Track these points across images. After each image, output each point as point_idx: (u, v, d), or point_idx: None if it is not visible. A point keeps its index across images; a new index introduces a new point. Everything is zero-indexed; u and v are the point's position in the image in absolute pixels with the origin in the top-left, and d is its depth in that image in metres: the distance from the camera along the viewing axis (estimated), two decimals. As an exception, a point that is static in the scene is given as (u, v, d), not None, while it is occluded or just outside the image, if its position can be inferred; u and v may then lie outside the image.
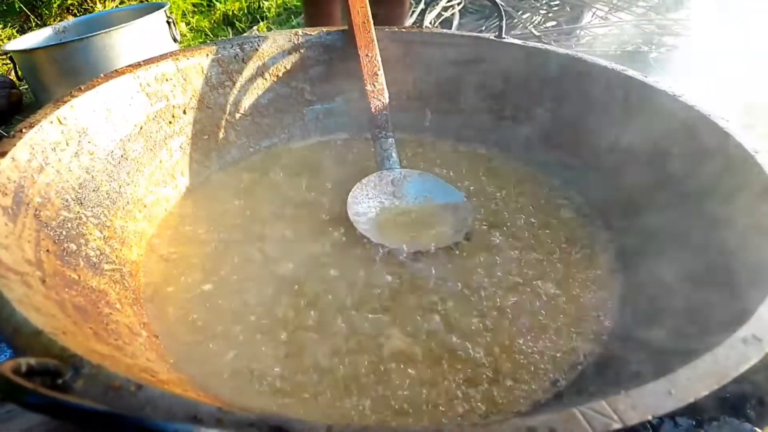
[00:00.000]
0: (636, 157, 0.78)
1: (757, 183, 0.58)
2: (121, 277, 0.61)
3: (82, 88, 0.70)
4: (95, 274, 0.58)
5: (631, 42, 2.31)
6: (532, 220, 0.78)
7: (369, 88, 0.85)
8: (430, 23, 2.51)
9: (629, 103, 0.80)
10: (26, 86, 2.16)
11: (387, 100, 0.85)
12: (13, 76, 2.20)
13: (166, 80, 0.80)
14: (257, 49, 0.89)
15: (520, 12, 2.59)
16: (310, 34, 0.93)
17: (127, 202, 0.70)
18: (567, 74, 0.87)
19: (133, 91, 0.75)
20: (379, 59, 0.87)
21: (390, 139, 0.84)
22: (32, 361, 0.32)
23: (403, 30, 0.96)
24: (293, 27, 2.95)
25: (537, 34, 2.29)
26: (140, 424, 0.25)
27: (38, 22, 2.91)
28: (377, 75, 0.86)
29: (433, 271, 0.67)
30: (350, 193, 0.78)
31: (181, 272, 0.66)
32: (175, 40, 2.18)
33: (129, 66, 0.76)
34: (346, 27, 0.96)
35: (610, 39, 2.33)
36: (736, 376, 0.35)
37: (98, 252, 0.61)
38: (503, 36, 0.94)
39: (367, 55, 0.87)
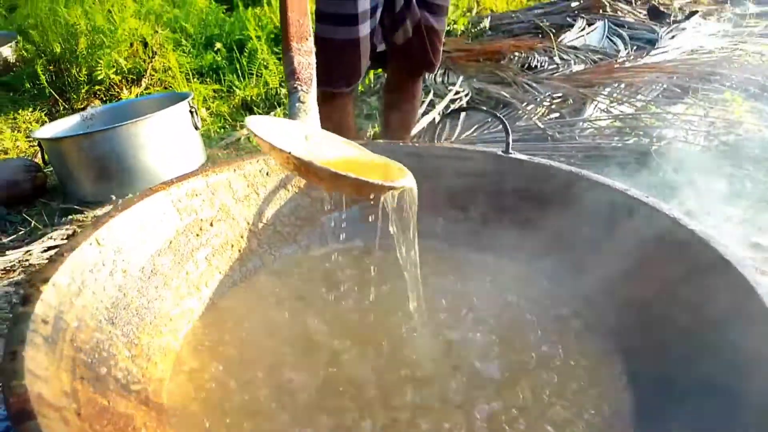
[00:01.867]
0: (641, 278, 0.81)
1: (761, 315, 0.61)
2: (146, 397, 0.64)
3: (120, 207, 0.75)
4: (123, 397, 0.60)
5: (633, 134, 2.40)
6: (539, 332, 0.80)
7: (296, 45, 0.76)
8: (438, 114, 2.64)
9: (633, 223, 0.84)
10: (50, 169, 2.26)
11: (314, 65, 0.77)
12: (39, 160, 2.30)
13: (196, 195, 0.85)
14: (280, 163, 0.95)
15: (525, 104, 2.71)
16: (330, 148, 0.99)
17: (154, 317, 0.74)
18: (572, 190, 0.92)
19: (165, 207, 0.81)
20: (311, 31, 0.80)
21: (312, 96, 0.74)
22: None
23: (415, 145, 1.03)
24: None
25: (541, 126, 2.40)
26: None
27: (66, 107, 3.07)
28: (307, 39, 0.79)
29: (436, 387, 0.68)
30: (255, 117, 0.67)
31: (204, 390, 0.68)
32: (196, 127, 2.29)
33: (163, 183, 0.82)
34: (363, 140, 1.02)
35: (611, 131, 2.43)
36: None
37: (126, 372, 0.64)
38: (510, 151, 1.00)
39: (298, 20, 0.80)
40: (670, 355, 0.71)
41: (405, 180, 0.65)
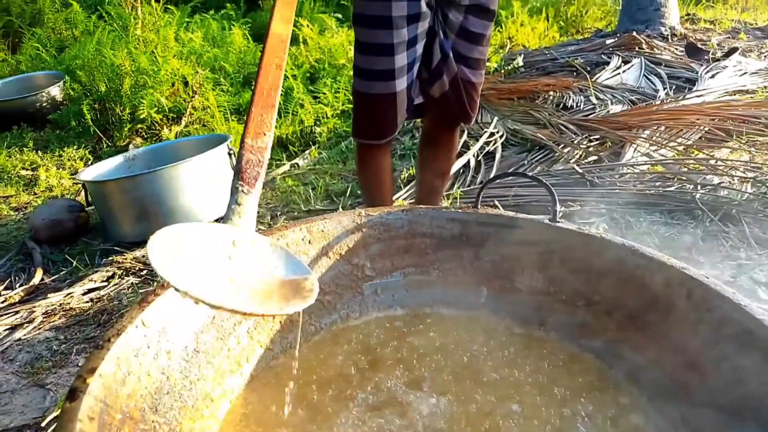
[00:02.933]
0: (701, 361, 0.76)
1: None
2: (187, 493, 0.62)
3: (164, 285, 0.75)
4: (165, 494, 0.59)
5: (675, 179, 2.34)
6: (590, 418, 0.76)
7: (249, 142, 0.77)
8: (474, 156, 2.62)
9: (692, 304, 0.80)
10: (93, 209, 2.31)
11: (265, 162, 0.78)
12: (82, 200, 2.36)
13: (239, 267, 0.84)
14: (323, 231, 0.94)
15: (561, 146, 2.68)
16: (372, 215, 0.98)
17: (197, 399, 0.72)
18: (624, 264, 0.89)
19: (209, 282, 0.80)
20: (273, 124, 0.81)
21: (251, 198, 0.74)
22: None
23: (459, 211, 1.01)
24: (341, 151, 3.12)
25: (580, 171, 2.35)
26: None
27: (109, 144, 3.17)
28: (264, 134, 0.80)
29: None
30: (171, 227, 0.65)
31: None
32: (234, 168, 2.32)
33: (206, 257, 0.82)
34: (404, 207, 1.01)
35: (652, 176, 2.37)
36: None
37: (168, 465, 0.62)
38: (557, 220, 0.97)
39: (261, 115, 0.81)
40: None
41: (301, 304, 0.66)
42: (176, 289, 0.59)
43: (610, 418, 0.77)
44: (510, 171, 2.37)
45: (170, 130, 3.22)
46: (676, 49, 4.32)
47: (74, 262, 2.05)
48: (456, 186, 2.35)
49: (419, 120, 2.18)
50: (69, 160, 3.02)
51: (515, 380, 0.83)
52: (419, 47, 1.44)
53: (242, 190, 0.73)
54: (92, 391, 0.58)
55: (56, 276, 2.02)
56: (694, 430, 0.73)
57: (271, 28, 0.91)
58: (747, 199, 2.11)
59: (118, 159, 2.46)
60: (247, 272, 0.65)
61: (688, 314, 0.80)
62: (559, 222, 0.97)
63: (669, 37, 4.62)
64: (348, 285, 0.97)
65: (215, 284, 0.62)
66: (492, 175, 2.41)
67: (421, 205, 1.17)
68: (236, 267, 0.65)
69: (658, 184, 2.32)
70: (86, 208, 2.32)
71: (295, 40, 4.30)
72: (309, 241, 0.93)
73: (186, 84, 3.45)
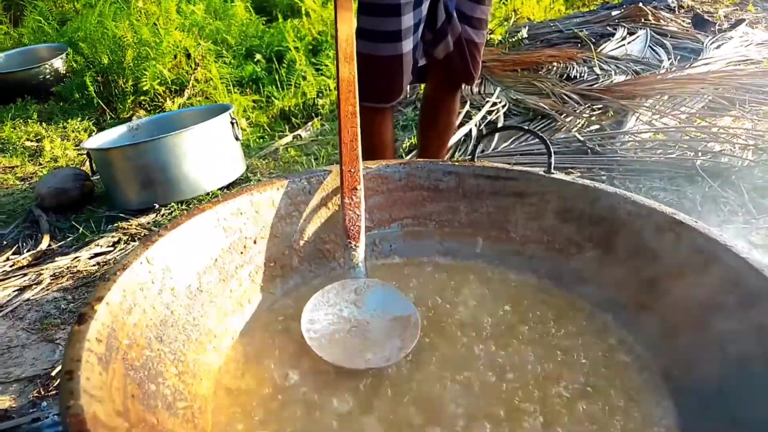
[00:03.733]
0: (688, 304, 0.79)
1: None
2: (192, 415, 0.65)
3: (168, 227, 0.78)
4: (171, 414, 0.62)
5: (677, 147, 2.34)
6: (583, 360, 0.79)
7: (347, 200, 0.89)
8: (476, 125, 2.62)
9: (680, 250, 0.82)
10: (98, 178, 2.34)
11: (362, 213, 0.89)
12: (87, 169, 2.39)
13: (241, 214, 0.87)
14: (322, 182, 0.96)
15: (563, 115, 2.67)
16: (371, 167, 1.00)
17: (200, 334, 0.75)
18: (616, 213, 0.90)
19: (211, 226, 0.83)
20: (361, 175, 0.92)
21: (359, 250, 0.87)
22: None
23: (456, 164, 1.03)
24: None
25: (581, 138, 2.36)
26: None
27: (113, 116, 3.19)
28: (356, 189, 0.90)
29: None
30: (311, 299, 0.83)
31: (247, 410, 0.69)
32: (236, 138, 2.34)
33: (209, 203, 0.84)
34: (405, 160, 1.03)
35: (654, 144, 2.37)
36: None
37: (173, 390, 0.65)
38: (552, 171, 0.98)
39: (350, 170, 0.91)
40: (723, 391, 0.68)
41: (409, 345, 0.78)
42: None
43: (599, 357, 0.80)
44: (506, 125, 2.37)
45: (173, 102, 3.23)
46: (683, 20, 4.27)
47: (80, 229, 2.08)
48: (457, 155, 2.37)
49: (422, 89, 2.19)
50: (73, 131, 3.05)
51: (509, 322, 0.86)
52: (424, 8, 1.44)
53: (352, 246, 0.87)
54: (100, 317, 0.60)
55: (63, 242, 2.05)
56: (680, 370, 0.75)
57: (340, 73, 1.02)
58: (747, 165, 2.11)
59: (121, 128, 2.48)
60: (368, 317, 0.83)
61: (677, 257, 0.82)
62: (553, 173, 0.99)
63: (676, 8, 4.55)
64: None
65: (346, 347, 0.78)
66: (492, 151, 2.42)
67: (419, 159, 1.19)
68: (361, 315, 0.83)
69: (659, 152, 2.32)
70: (91, 177, 2.35)
71: (297, 13, 4.27)
72: (309, 191, 0.95)
73: (188, 56, 3.45)
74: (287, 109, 3.22)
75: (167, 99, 3.25)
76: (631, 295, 0.86)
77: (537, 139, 2.49)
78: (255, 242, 0.89)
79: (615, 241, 0.90)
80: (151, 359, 0.65)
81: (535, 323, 0.86)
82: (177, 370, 0.68)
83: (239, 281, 0.85)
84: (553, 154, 0.99)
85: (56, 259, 1.86)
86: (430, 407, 0.70)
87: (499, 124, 2.67)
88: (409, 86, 2.77)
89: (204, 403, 0.69)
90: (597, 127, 2.56)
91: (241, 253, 0.86)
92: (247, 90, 3.45)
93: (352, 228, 0.87)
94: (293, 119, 3.16)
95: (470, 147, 2.30)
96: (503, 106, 2.83)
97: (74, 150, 2.86)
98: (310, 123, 3.06)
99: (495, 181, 1.01)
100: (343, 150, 0.93)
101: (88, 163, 2.34)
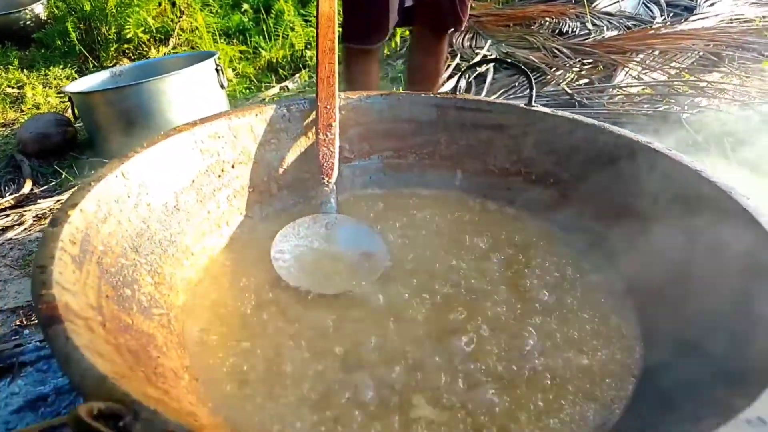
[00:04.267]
0: (659, 229, 0.80)
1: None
2: (167, 321, 0.67)
3: (145, 144, 0.77)
4: (146, 318, 0.63)
5: (664, 102, 2.34)
6: (554, 279, 0.81)
7: (321, 137, 0.91)
8: (465, 78, 2.60)
9: (655, 176, 0.83)
10: (81, 124, 2.31)
11: (336, 150, 0.91)
12: (69, 115, 2.35)
13: (218, 137, 0.87)
14: (302, 110, 0.96)
15: (554, 69, 2.66)
16: (351, 98, 0.99)
17: (177, 250, 0.76)
18: (593, 141, 0.91)
19: (188, 147, 0.82)
20: (337, 112, 0.93)
21: (331, 185, 0.90)
22: (102, 405, 0.36)
23: (437, 96, 1.02)
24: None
25: (570, 92, 2.35)
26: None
27: (96, 64, 3.12)
28: (331, 126, 0.92)
29: (463, 341, 0.70)
30: (281, 230, 0.84)
31: (222, 321, 0.71)
32: (222, 86, 2.30)
33: (186, 125, 0.84)
34: (386, 92, 1.03)
35: (642, 98, 2.37)
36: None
37: (149, 297, 0.66)
38: (533, 104, 0.99)
39: (326, 107, 0.92)
40: (686, 312, 0.70)
41: (373, 277, 0.80)
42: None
43: (572, 278, 0.82)
44: (489, 58, 2.34)
45: (158, 51, 3.16)
46: (679, -22, 4.20)
47: (63, 174, 2.07)
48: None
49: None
50: (55, 78, 2.98)
51: (484, 248, 0.87)
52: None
53: (325, 182, 0.89)
54: (74, 221, 0.61)
55: (45, 187, 2.04)
56: (647, 292, 0.78)
57: (320, 8, 1.01)
58: (732, 120, 2.12)
59: (104, 74, 2.43)
60: (338, 251, 0.85)
61: (652, 184, 0.83)
62: (534, 106, 0.99)
63: (672, -34, 4.47)
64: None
65: (315, 274, 0.80)
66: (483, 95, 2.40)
67: (400, 91, 1.18)
68: (330, 248, 0.85)
69: (646, 106, 2.32)
70: (74, 123, 2.32)
71: (285, -38, 4.15)
72: (289, 120, 0.95)
73: (173, 4, 3.35)
74: (275, 60, 3.16)
75: (152, 48, 3.18)
76: (605, 222, 0.87)
77: (526, 90, 2.47)
78: (233, 167, 0.89)
79: (591, 171, 0.91)
80: (127, 267, 0.66)
81: (509, 248, 0.87)
82: (153, 280, 0.69)
83: (217, 203, 0.86)
84: (534, 87, 0.99)
85: (39, 201, 1.85)
86: (400, 319, 0.72)
87: (488, 78, 2.65)
88: (399, 37, 2.71)
89: (180, 313, 0.71)
90: (586, 81, 2.55)
91: (219, 176, 0.87)
92: (234, 40, 3.38)
93: (325, 164, 0.89)
94: (281, 71, 3.10)
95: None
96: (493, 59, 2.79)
97: (56, 97, 2.81)
98: (297, 75, 3.01)
99: (476, 114, 1.01)
100: (320, 86, 0.93)
101: (70, 109, 2.30)
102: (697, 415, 0.48)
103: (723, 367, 0.55)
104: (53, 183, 2.04)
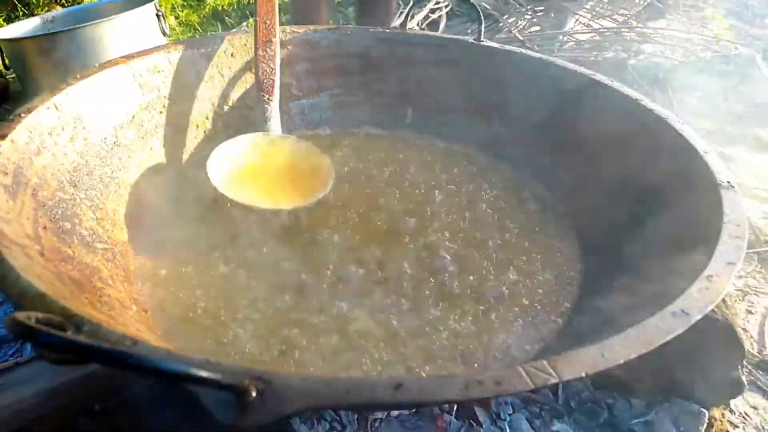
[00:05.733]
0: (601, 156, 0.83)
1: (705, 180, 0.64)
2: (112, 256, 0.65)
3: (78, 76, 0.74)
4: (89, 251, 0.62)
5: (612, 49, 2.38)
6: (500, 211, 0.83)
7: (260, 53, 0.87)
8: (417, 25, 2.56)
9: (598, 105, 0.85)
10: (13, 75, 2.17)
11: (277, 68, 0.87)
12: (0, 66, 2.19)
13: (158, 72, 0.83)
14: (245, 45, 0.93)
15: (506, 16, 2.65)
16: (298, 32, 0.97)
17: (119, 186, 0.74)
18: (539, 76, 0.93)
19: (126, 81, 0.79)
20: (278, 29, 0.90)
21: (273, 104, 0.86)
22: (39, 315, 0.35)
23: (387, 30, 1.01)
24: (282, 24, 2.98)
25: (521, 38, 2.35)
26: (141, 363, 0.29)
27: (25, 12, 2.90)
28: (271, 42, 0.88)
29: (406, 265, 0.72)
30: (219, 146, 0.81)
31: (168, 254, 0.70)
32: (164, 33, 2.19)
33: (123, 57, 0.80)
34: (334, 26, 1.00)
35: (591, 45, 2.41)
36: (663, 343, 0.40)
37: (91, 232, 0.65)
38: (482, 39, 0.99)
39: (265, 22, 0.89)
40: (620, 230, 0.74)
41: (321, 192, 0.79)
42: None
43: (514, 207, 0.84)
44: None
45: (94, -3, 2.96)
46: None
47: (-3, 127, 1.94)
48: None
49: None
50: (-20, 27, 2.76)
51: (436, 183, 0.88)
52: None
53: (265, 99, 0.85)
54: (5, 152, 0.58)
55: (-22, 141, 1.92)
56: (585, 216, 0.81)
57: None
58: (675, 65, 2.19)
59: (35, 21, 2.27)
60: (281, 167, 0.82)
61: (593, 113, 0.85)
62: (483, 41, 0.99)
63: None
64: (275, 103, 0.97)
65: (256, 189, 0.78)
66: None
67: (348, 25, 1.16)
68: (273, 163, 0.83)
69: (595, 52, 2.36)
70: (4, 74, 2.17)
71: None
72: (232, 54, 0.92)
73: (107, -54, 3.13)
74: (220, 8, 3.02)
75: (86, -6, 2.98)
76: (549, 154, 0.90)
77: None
78: (175, 103, 0.86)
79: (537, 104, 0.93)
80: (65, 201, 0.63)
81: (457, 182, 0.89)
82: (95, 215, 0.67)
83: (159, 140, 0.83)
84: (483, 22, 0.99)
85: (-29, 155, 1.74)
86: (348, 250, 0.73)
87: (441, 25, 2.62)
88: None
89: (125, 248, 0.69)
90: (537, 28, 2.56)
91: (160, 112, 0.84)
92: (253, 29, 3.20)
93: (266, 81, 0.85)
94: (227, 18, 2.97)
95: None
96: (446, 6, 2.76)
97: (-17, 47, 2.61)
98: (245, 23, 2.89)
99: (426, 49, 1.01)
100: (260, 1, 0.89)
101: (0, 58, 2.15)
102: (632, 309, 0.51)
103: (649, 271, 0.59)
104: (-14, 137, 1.92)
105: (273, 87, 0.85)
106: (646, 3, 2.75)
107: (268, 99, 0.85)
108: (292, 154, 0.83)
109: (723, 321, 0.70)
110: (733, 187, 0.61)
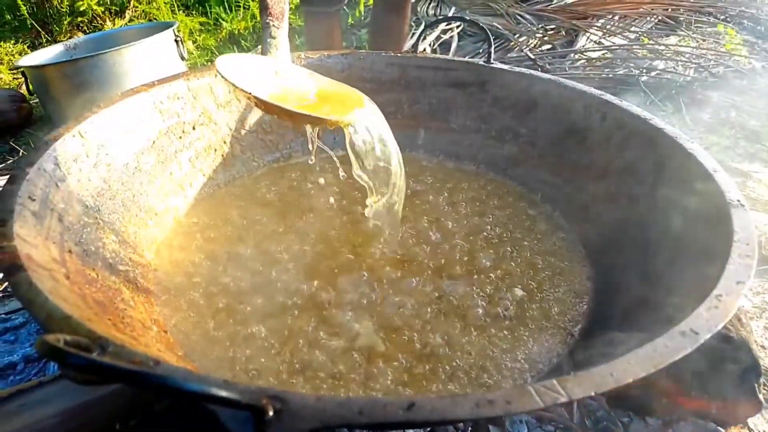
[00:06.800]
0: (611, 175, 0.84)
1: (714, 199, 0.64)
2: (134, 277, 0.67)
3: (101, 105, 0.77)
4: (111, 273, 0.64)
5: (624, 66, 2.39)
6: (510, 230, 0.84)
7: None
8: (430, 45, 2.60)
9: (605, 126, 0.86)
10: (36, 100, 2.24)
11: (287, 6, 0.80)
12: (24, 91, 2.27)
13: (178, 98, 0.86)
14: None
15: (517, 35, 2.68)
16: (312, 57, 1.00)
17: (140, 210, 0.76)
18: (549, 96, 0.94)
19: (147, 108, 0.82)
20: None
21: (281, 32, 0.78)
22: (68, 337, 0.37)
23: (399, 54, 1.03)
24: (296, 47, 3.04)
25: (532, 57, 2.38)
26: (164, 383, 0.30)
27: (49, 39, 3.00)
28: None
29: (415, 282, 0.73)
30: (232, 55, 0.74)
31: (188, 276, 0.72)
32: (182, 58, 2.25)
33: (144, 85, 0.83)
34: (347, 50, 1.03)
35: (603, 63, 2.42)
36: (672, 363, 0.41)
37: (114, 254, 0.67)
38: (491, 61, 1.01)
39: None
40: (630, 249, 0.74)
41: (360, 112, 0.69)
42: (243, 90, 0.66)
43: (524, 227, 0.85)
44: (447, 16, 2.36)
45: (114, 23, 3.06)
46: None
47: (20, 151, 2.01)
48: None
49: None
50: (7, 54, 2.86)
51: (447, 202, 0.90)
52: None
53: (274, 25, 0.76)
54: (32, 179, 0.60)
55: (2, 165, 1.98)
56: (594, 234, 0.81)
57: None
58: (688, 81, 2.19)
59: (58, 47, 2.35)
60: (290, 83, 0.72)
61: (603, 133, 0.86)
62: (492, 63, 1.01)
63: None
64: (290, 126, 1.00)
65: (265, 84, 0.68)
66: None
67: (361, 50, 1.19)
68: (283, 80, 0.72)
69: (606, 70, 2.37)
70: (28, 99, 2.24)
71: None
72: (248, 80, 0.95)
73: (128, -26, 3.24)
74: (236, 32, 3.10)
75: (107, 20, 3.07)
76: (559, 174, 0.91)
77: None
78: (194, 128, 0.88)
79: (547, 124, 0.94)
80: (89, 225, 0.66)
81: (468, 201, 0.90)
82: (117, 238, 0.70)
83: (179, 165, 0.86)
84: (492, 44, 1.01)
85: (-3, 178, 1.80)
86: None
87: (453, 46, 2.65)
88: (363, 5, 2.67)
89: (146, 270, 0.71)
90: (549, 46, 2.58)
91: (180, 137, 0.86)
92: (194, 11, 3.29)
93: (275, 6, 0.75)
94: (243, 42, 3.04)
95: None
96: (458, 26, 2.80)
97: (9, 73, 2.70)
98: (260, 47, 2.96)
99: (436, 72, 1.03)
100: None
101: (24, 84, 2.22)
102: (642, 328, 0.52)
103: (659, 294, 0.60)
104: (10, 161, 1.98)
105: (283, 14, 0.76)
106: (657, 20, 2.76)
107: (278, 25, 0.77)
108: (317, 81, 0.76)
109: (738, 339, 0.70)
110: (743, 205, 0.61)
